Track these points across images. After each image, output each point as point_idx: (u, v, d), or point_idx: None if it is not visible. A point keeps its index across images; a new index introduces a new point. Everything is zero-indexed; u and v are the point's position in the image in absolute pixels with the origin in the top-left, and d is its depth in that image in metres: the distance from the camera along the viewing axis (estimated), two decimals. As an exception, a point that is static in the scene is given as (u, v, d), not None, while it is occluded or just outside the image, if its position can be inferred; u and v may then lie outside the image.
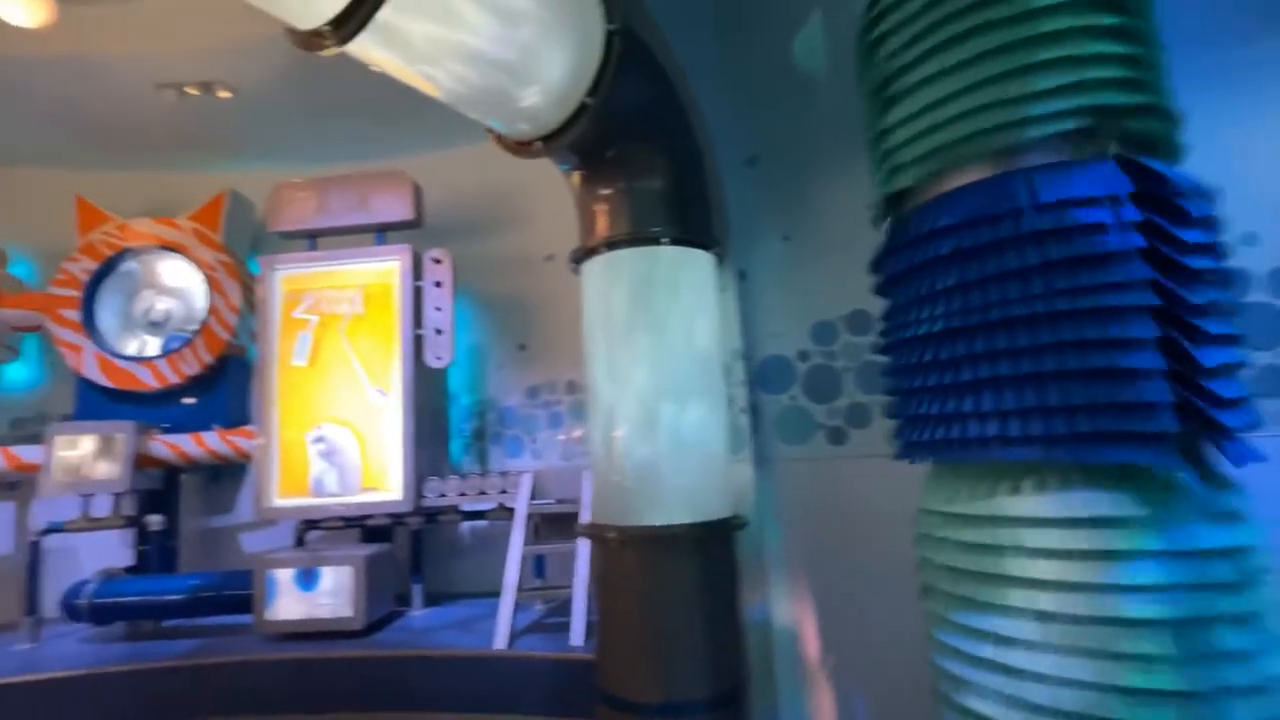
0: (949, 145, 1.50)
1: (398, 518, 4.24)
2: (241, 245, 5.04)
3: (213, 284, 4.73)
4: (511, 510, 4.23)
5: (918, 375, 1.57)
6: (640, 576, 2.36)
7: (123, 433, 4.18)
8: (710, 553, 2.40)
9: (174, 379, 4.63)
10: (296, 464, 4.22)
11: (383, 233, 4.51)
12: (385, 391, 4.23)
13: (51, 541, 4.75)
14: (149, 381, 4.61)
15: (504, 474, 4.15)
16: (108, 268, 4.72)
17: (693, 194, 2.63)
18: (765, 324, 2.92)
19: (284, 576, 3.78)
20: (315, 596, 3.76)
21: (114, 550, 4.76)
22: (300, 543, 4.34)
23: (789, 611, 2.77)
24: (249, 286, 4.88)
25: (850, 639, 2.65)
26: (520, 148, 2.40)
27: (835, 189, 2.82)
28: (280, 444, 4.24)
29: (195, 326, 4.78)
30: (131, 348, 4.77)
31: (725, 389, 2.61)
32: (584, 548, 3.66)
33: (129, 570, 4.33)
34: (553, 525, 4.10)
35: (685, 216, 2.55)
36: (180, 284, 4.89)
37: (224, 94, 4.31)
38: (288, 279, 4.43)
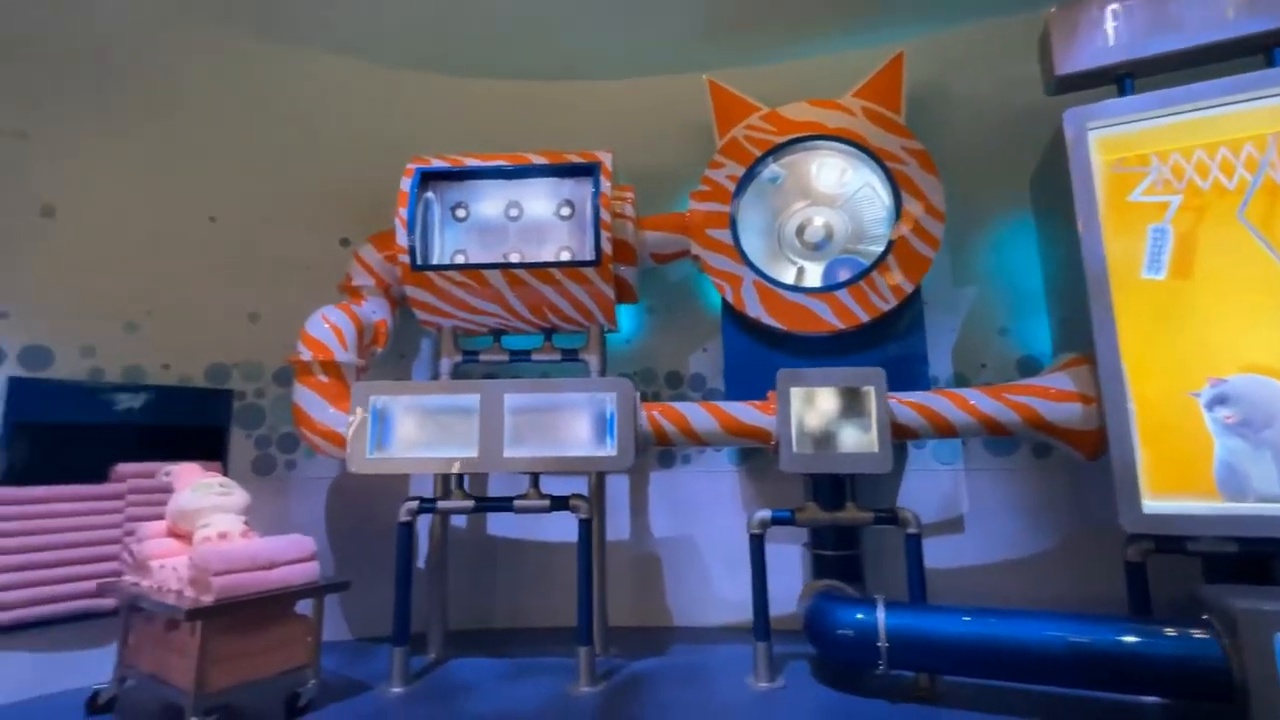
0: None
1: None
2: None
3: (901, 182, 3.28)
4: None
5: None
6: None
7: (872, 385, 2.80)
8: None
9: (863, 317, 3.23)
10: (1172, 441, 2.49)
11: (1270, 51, 2.66)
12: (1379, 312, 2.33)
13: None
14: (831, 321, 3.26)
15: None
16: (751, 173, 3.52)
17: None
18: None
19: (1316, 647, 2.02)
20: None
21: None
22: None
23: None
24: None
25: None
26: None
27: None
28: (1136, 407, 2.55)
29: (870, 246, 3.38)
30: (787, 277, 3.51)
31: None
32: None
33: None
34: None
35: None
36: (841, 189, 3.54)
37: None
38: (1108, 142, 2.75)
